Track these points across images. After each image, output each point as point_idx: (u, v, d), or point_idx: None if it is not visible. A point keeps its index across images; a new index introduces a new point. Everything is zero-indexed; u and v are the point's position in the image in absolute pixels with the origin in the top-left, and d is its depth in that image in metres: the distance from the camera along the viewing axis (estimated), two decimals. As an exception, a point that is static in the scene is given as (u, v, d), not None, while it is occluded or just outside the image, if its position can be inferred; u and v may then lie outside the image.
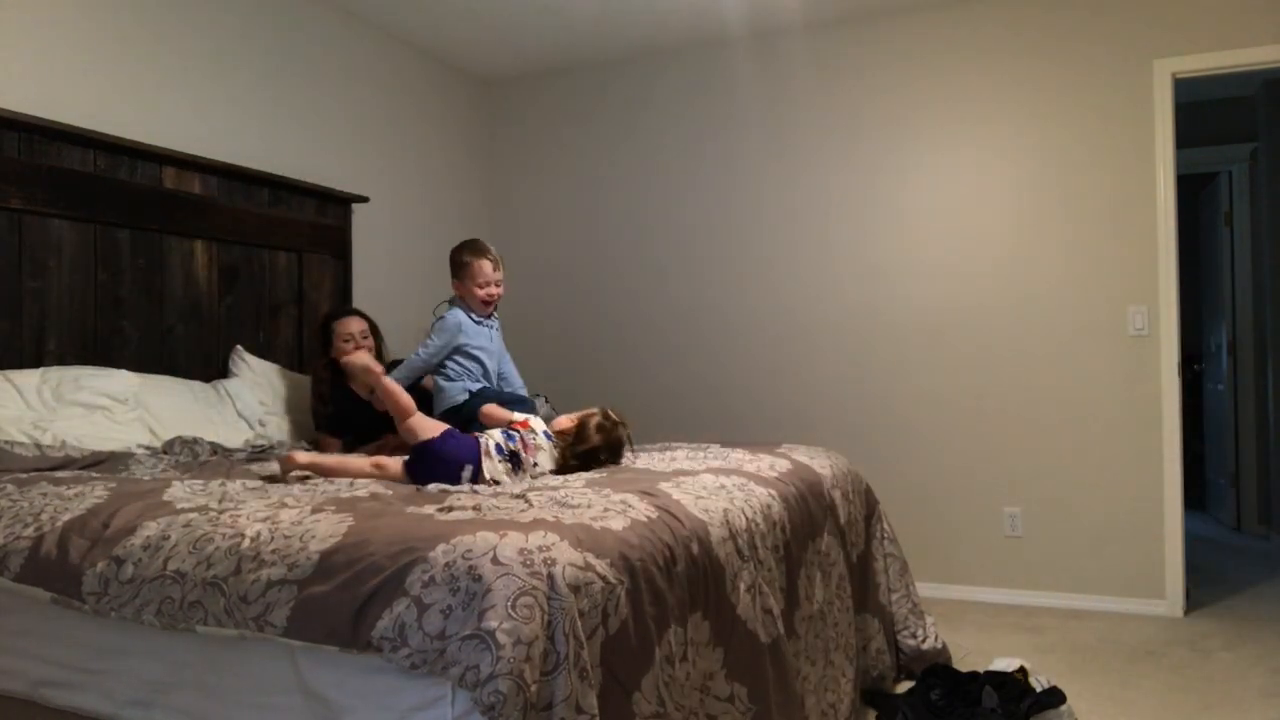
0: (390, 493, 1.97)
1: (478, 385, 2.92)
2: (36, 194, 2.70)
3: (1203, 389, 6.14)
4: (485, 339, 3.02)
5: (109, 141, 2.89)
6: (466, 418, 2.78)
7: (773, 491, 2.20)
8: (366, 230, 4.03)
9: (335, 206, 3.83)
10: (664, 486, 1.94)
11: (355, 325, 3.26)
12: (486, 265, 2.97)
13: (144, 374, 2.91)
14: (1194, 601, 3.81)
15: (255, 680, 1.48)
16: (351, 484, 2.09)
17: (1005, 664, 2.60)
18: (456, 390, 2.90)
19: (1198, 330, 6.06)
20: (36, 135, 2.71)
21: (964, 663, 2.96)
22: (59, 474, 2.25)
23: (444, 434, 2.31)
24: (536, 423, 2.42)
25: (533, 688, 1.22)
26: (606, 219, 4.69)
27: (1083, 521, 3.80)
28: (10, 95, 2.69)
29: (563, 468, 2.36)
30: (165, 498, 1.86)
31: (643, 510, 1.69)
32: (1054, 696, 2.41)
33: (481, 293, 2.96)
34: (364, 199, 3.94)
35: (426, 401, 3.25)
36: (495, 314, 3.09)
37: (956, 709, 2.38)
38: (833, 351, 4.23)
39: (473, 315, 2.99)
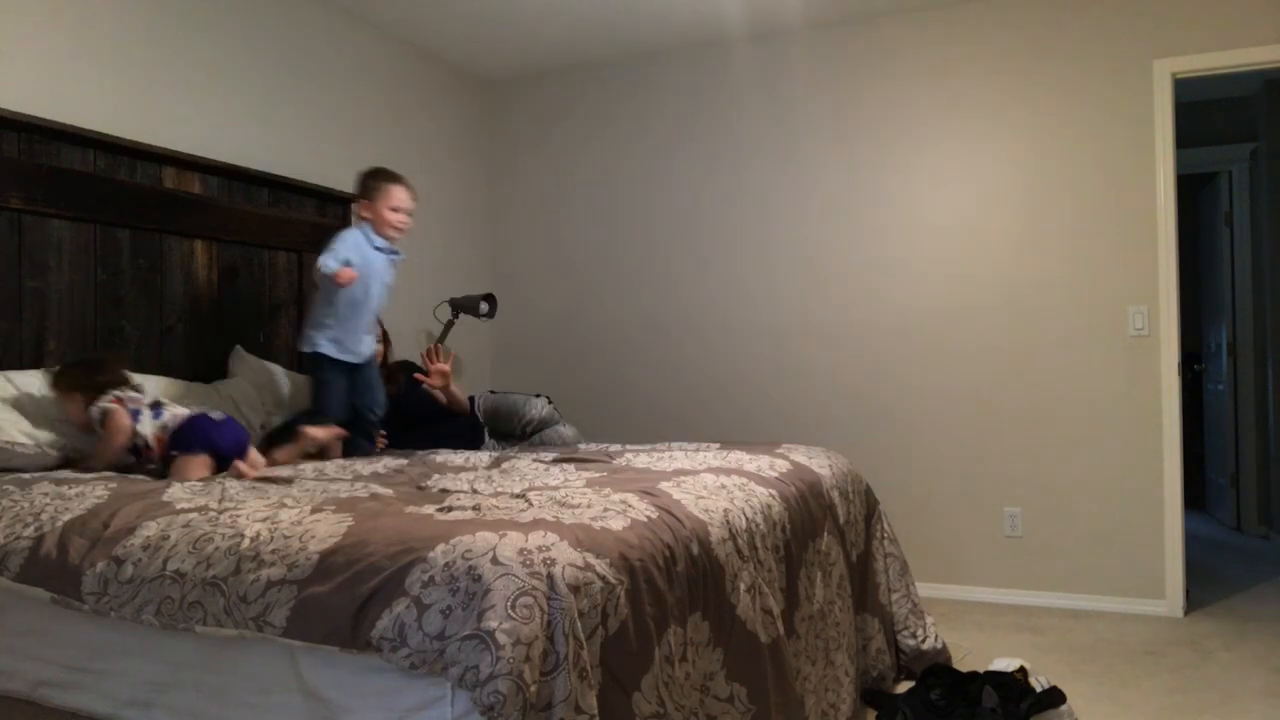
0: (390, 493, 1.97)
1: (334, 347, 2.89)
2: (36, 194, 2.70)
3: (1203, 389, 6.14)
4: (380, 267, 2.96)
5: (109, 141, 2.89)
6: (313, 368, 2.92)
7: (772, 491, 2.20)
8: (366, 230, 4.02)
9: (335, 206, 3.82)
10: (664, 486, 1.94)
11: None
12: (404, 193, 2.97)
13: (144, 374, 2.91)
14: (1194, 601, 3.81)
15: (255, 680, 1.48)
16: (351, 484, 2.09)
17: (1005, 664, 2.60)
18: (315, 340, 2.88)
19: (1198, 330, 6.06)
20: (36, 135, 2.71)
21: (964, 663, 2.96)
22: (59, 474, 2.25)
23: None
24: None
25: (532, 688, 1.22)
26: (606, 218, 4.69)
27: (1083, 521, 3.80)
28: (10, 95, 2.69)
29: None
30: (165, 498, 1.86)
31: (643, 510, 1.69)
32: (1054, 696, 2.41)
33: (394, 217, 2.96)
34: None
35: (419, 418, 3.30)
36: (397, 248, 3.06)
37: (956, 709, 2.38)
38: (833, 351, 4.23)
39: (374, 240, 2.94)
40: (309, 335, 2.91)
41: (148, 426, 2.46)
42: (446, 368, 3.36)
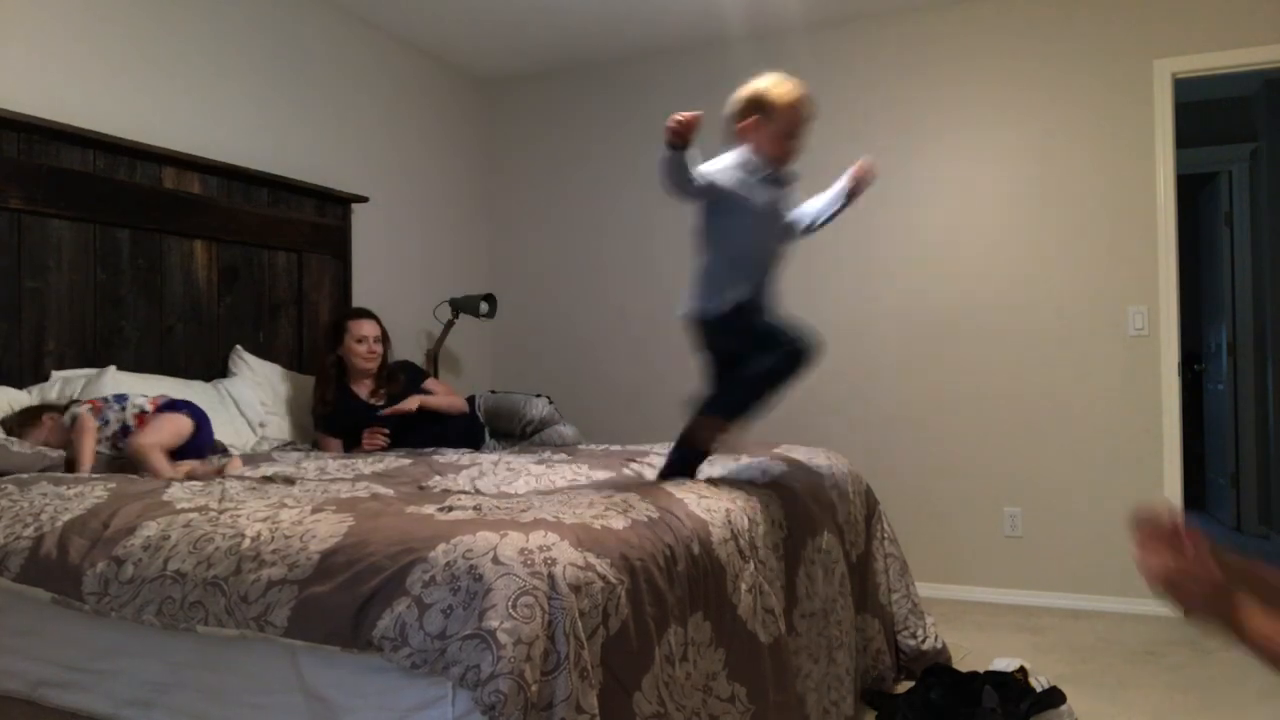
0: (391, 493, 1.97)
1: (741, 291, 2.22)
2: (36, 194, 2.70)
3: (1203, 389, 6.14)
4: (767, 201, 2.26)
5: (109, 141, 2.88)
6: (725, 329, 2.25)
7: (773, 491, 2.20)
8: (366, 230, 4.03)
9: (335, 206, 3.83)
10: (665, 486, 1.94)
11: (370, 329, 3.26)
12: (802, 112, 2.26)
13: (144, 374, 2.91)
14: (1194, 601, 3.80)
15: (255, 680, 1.48)
16: (352, 484, 2.09)
17: (1005, 664, 2.60)
18: (715, 299, 2.22)
19: (1198, 330, 6.06)
20: (36, 135, 2.71)
21: (964, 663, 2.95)
22: (59, 474, 2.25)
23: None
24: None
25: (533, 687, 1.22)
26: (606, 218, 4.69)
27: (1083, 521, 3.80)
28: (10, 95, 2.69)
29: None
30: (165, 498, 1.86)
31: (644, 510, 1.69)
32: (1054, 696, 2.41)
33: (788, 145, 2.26)
34: (364, 199, 3.94)
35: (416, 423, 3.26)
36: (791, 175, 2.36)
37: (956, 709, 2.38)
38: (832, 351, 4.22)
39: (757, 169, 2.25)
40: (711, 297, 2.25)
41: (127, 412, 2.55)
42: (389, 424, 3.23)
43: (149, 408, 2.58)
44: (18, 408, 2.53)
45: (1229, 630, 0.99)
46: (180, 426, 2.54)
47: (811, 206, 2.48)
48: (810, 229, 2.49)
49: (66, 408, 2.53)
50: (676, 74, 4.52)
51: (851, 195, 2.48)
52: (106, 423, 2.51)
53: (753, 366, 2.19)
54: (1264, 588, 0.98)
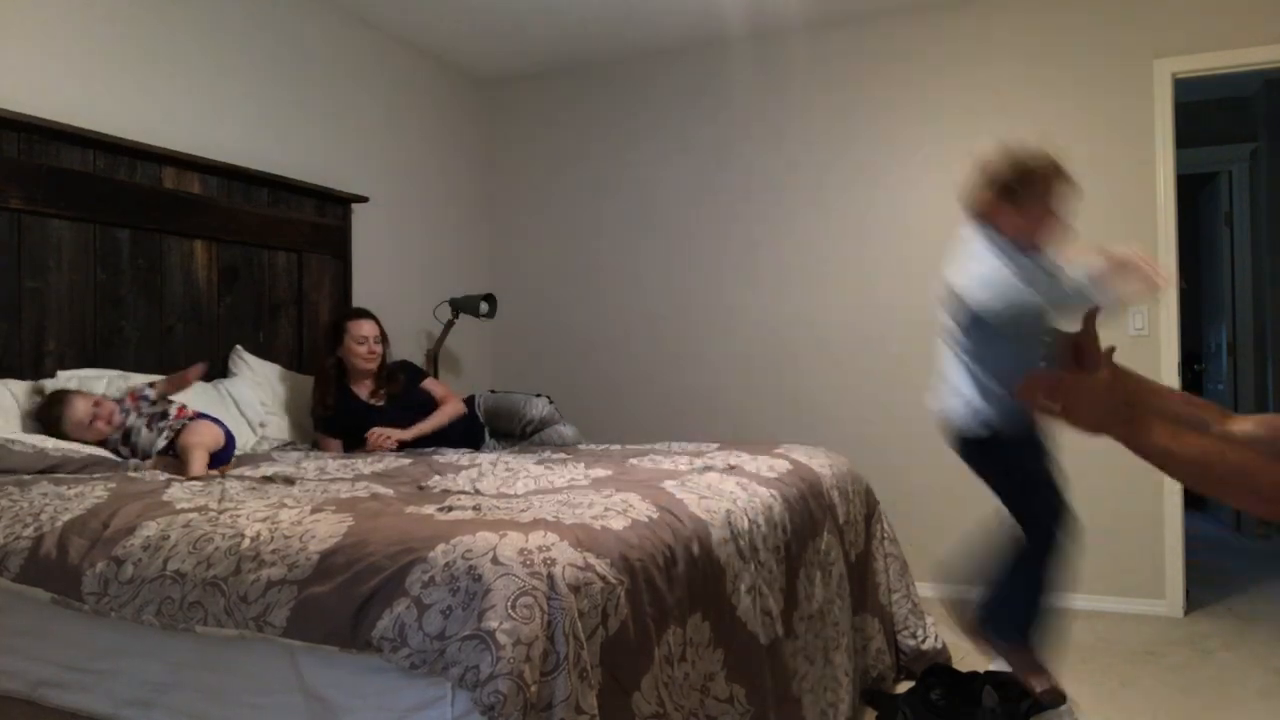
0: (390, 493, 1.97)
1: (1018, 422, 1.92)
2: (36, 194, 2.70)
3: (1203, 389, 6.14)
4: (1048, 297, 1.86)
5: (109, 141, 2.88)
6: (988, 455, 1.98)
7: (773, 492, 2.20)
8: (366, 230, 4.03)
9: (335, 206, 3.82)
10: (666, 486, 1.94)
11: (370, 329, 3.26)
12: (1066, 177, 1.91)
13: (144, 374, 2.91)
14: (1194, 601, 3.81)
15: (255, 680, 1.48)
16: (352, 484, 2.09)
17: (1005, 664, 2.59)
18: (982, 417, 1.92)
19: (1198, 330, 6.06)
20: (36, 135, 2.71)
21: (964, 663, 2.95)
22: (59, 474, 2.25)
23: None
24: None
25: (533, 688, 1.22)
26: (606, 218, 4.69)
27: (1083, 521, 3.78)
28: (10, 95, 2.69)
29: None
30: (165, 498, 1.86)
31: (644, 510, 1.69)
32: (1054, 696, 2.40)
33: (1051, 220, 1.90)
34: (364, 199, 3.93)
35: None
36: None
37: (956, 709, 2.38)
38: (832, 351, 4.23)
39: (1021, 259, 1.87)
40: (978, 413, 1.93)
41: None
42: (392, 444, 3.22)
43: (187, 406, 2.69)
44: (25, 400, 2.57)
45: (1126, 441, 1.06)
46: (217, 435, 2.61)
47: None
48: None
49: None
50: (676, 74, 4.52)
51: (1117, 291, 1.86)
52: (153, 403, 2.63)
53: (1010, 567, 1.97)
54: (1161, 406, 1.06)
